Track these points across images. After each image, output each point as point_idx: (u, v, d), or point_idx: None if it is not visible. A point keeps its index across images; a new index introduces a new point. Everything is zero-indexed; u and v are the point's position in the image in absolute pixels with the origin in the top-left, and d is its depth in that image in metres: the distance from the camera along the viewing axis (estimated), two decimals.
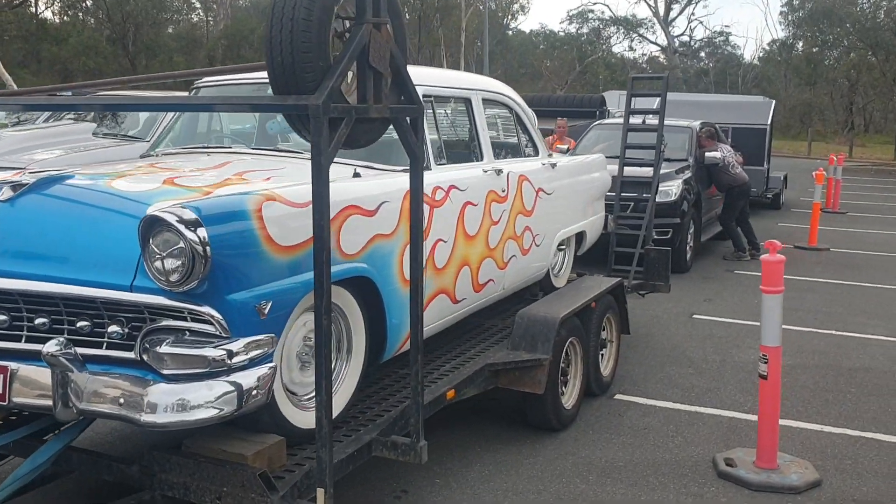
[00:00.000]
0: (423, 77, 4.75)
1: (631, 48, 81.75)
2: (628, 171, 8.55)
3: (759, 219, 16.09)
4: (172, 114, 5.34)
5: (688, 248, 10.83)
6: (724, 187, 11.75)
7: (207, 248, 2.90)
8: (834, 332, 8.01)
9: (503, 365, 4.76)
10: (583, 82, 49.07)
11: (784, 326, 8.36)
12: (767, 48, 60.25)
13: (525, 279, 5.79)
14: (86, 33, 50.20)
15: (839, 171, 18.21)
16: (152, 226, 2.94)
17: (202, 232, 2.90)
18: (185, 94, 5.68)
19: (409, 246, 3.67)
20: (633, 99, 9.33)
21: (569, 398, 5.32)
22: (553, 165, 6.10)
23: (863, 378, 6.56)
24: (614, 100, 24.46)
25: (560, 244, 6.47)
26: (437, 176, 4.47)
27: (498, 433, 5.20)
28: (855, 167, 33.73)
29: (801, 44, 50.59)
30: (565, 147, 12.57)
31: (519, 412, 5.25)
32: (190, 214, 2.92)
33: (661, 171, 10.51)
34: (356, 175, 3.94)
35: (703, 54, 67.83)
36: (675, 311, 8.70)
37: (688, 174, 10.96)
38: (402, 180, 4.11)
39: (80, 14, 50.99)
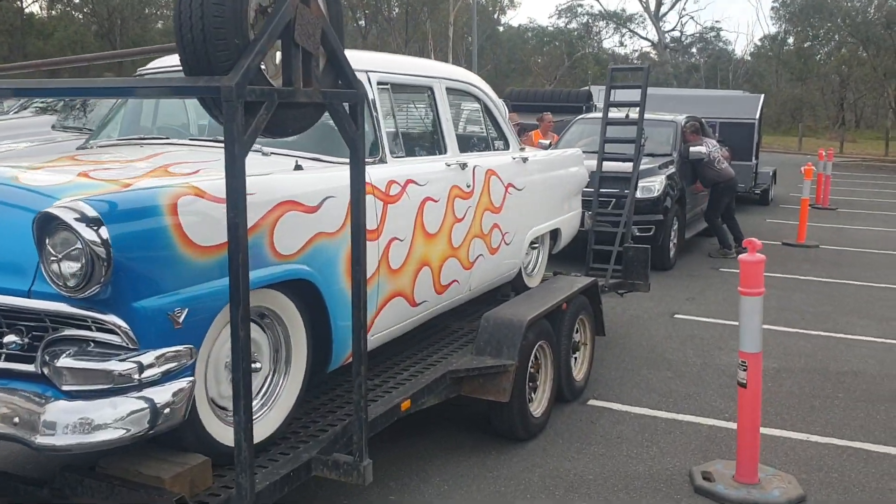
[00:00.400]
0: (381, 63, 4.44)
1: (622, 43, 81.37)
2: (607, 166, 8.22)
3: (747, 215, 15.82)
4: (116, 102, 5.01)
5: (671, 245, 10.53)
6: (710, 183, 11.45)
7: (109, 250, 2.57)
8: (822, 332, 7.71)
9: (466, 372, 4.44)
10: (572, 77, 48.71)
11: (770, 327, 8.18)
12: (759, 43, 60.07)
13: (494, 279, 5.47)
14: (72, 28, 49.64)
15: (829, 167, 17.93)
16: (48, 224, 2.61)
17: (103, 231, 2.58)
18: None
19: None
20: (614, 91, 9.02)
21: (538, 405, 5.01)
22: (525, 160, 5.78)
23: (851, 383, 6.27)
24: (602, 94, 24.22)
25: (533, 242, 6.16)
26: (392, 169, 4.15)
27: (461, 442, 4.89)
28: (845, 163, 33.52)
29: (791, 39, 50.44)
30: (548, 142, 12.23)
31: (484, 418, 4.94)
32: (90, 211, 2.59)
33: (644, 167, 10.24)
34: (298, 168, 3.61)
35: (694, 50, 67.66)
36: (657, 310, 8.40)
37: (671, 169, 10.66)
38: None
39: (68, 9, 50.36)
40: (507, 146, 5.73)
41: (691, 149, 11.13)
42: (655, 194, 10.07)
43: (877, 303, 8.96)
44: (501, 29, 58.56)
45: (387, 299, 4.04)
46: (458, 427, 5.09)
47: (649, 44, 67.89)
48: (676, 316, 8.20)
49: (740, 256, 4.48)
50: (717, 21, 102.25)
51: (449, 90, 5.04)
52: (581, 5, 57.35)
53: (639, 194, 9.86)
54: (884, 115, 50.04)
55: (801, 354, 6.99)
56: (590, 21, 57.14)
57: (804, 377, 6.38)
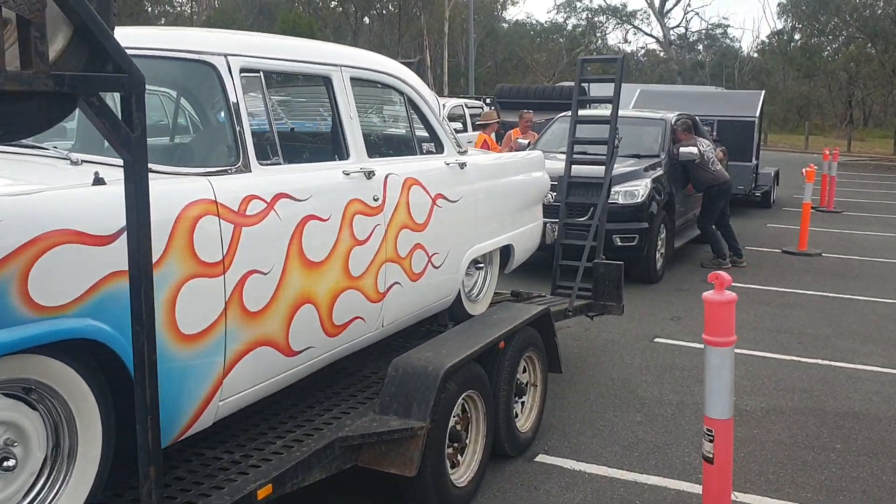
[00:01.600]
0: (248, 45, 3.49)
1: (625, 40, 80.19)
2: (578, 170, 7.26)
3: (747, 219, 14.87)
4: None
5: (658, 255, 9.57)
6: (703, 186, 10.49)
7: None
8: (820, 360, 6.76)
9: (361, 439, 3.50)
10: (572, 74, 47.56)
11: (762, 354, 7.21)
12: (766, 40, 58.85)
13: (420, 310, 4.53)
14: None
15: (834, 167, 16.94)
16: None
17: None
18: None
19: (169, 285, 2.45)
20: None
21: (465, 471, 4.07)
22: (463, 165, 4.84)
23: (851, 428, 5.31)
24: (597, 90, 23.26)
25: (477, 262, 5.22)
26: (254, 181, 3.21)
27: None
28: (853, 162, 32.50)
29: (798, 35, 49.29)
30: (526, 142, 11.32)
31: (395, 488, 4.00)
32: None
33: (627, 169, 9.31)
34: (98, 181, 2.67)
35: (700, 47, 66.57)
36: (636, 332, 7.46)
37: (659, 172, 9.70)
38: (182, 189, 2.86)
39: None
40: (439, 149, 4.79)
41: (682, 149, 10.18)
42: (639, 200, 9.12)
43: (884, 323, 8.00)
44: (506, 26, 57.55)
45: (243, 351, 3.11)
46: (359, 500, 4.16)
47: (654, 40, 66.89)
48: (657, 340, 7.25)
49: (704, 295, 3.55)
50: (724, 18, 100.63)
51: (356, 81, 4.10)
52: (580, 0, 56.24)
53: (621, 200, 8.96)
54: (893, 113, 48.94)
55: (795, 390, 6.03)
56: (589, 16, 56.02)
57: (797, 421, 5.42)
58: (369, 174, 3.90)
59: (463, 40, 51.08)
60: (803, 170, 12.21)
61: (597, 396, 5.76)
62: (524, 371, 4.80)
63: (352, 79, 4.05)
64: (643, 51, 69.13)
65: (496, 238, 5.31)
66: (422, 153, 4.63)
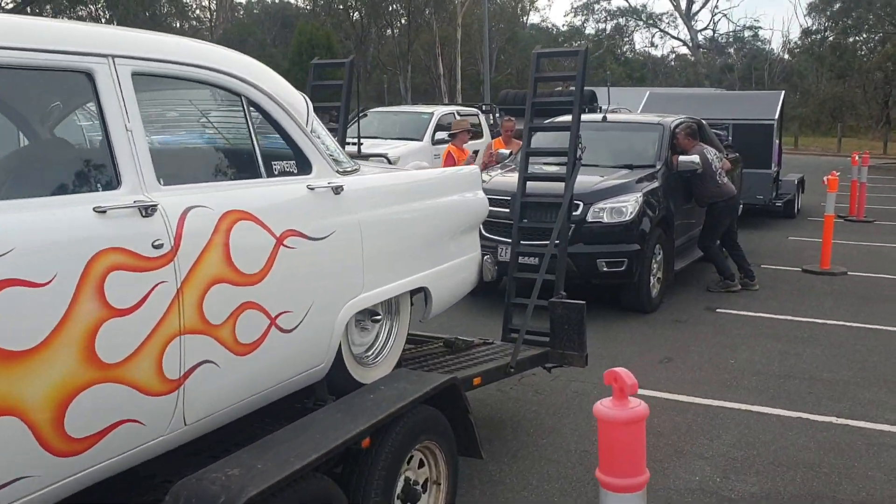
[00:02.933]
0: None
1: (652, 44, 78.52)
2: (535, 187, 6.04)
3: (766, 231, 13.52)
4: None
5: (654, 281, 8.28)
6: (706, 201, 9.19)
7: None
8: (835, 419, 5.45)
9: None
10: (590, 78, 46.13)
11: (762, 409, 5.62)
12: (799, 42, 56.90)
13: (260, 393, 3.31)
14: None
15: (864, 173, 15.50)
16: None
17: None
18: None
19: None
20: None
21: None
22: (338, 189, 3.64)
23: None
24: (604, 95, 22.00)
25: (372, 313, 4.01)
26: None
27: None
28: (889, 165, 30.80)
29: (830, 35, 47.46)
30: (507, 152, 10.12)
31: None
32: None
33: (615, 182, 8.06)
34: None
35: (731, 50, 64.86)
36: None
37: (653, 184, 8.41)
38: None
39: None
40: (304, 168, 3.59)
41: (680, 158, 8.89)
42: (628, 217, 7.84)
43: None
44: (530, 32, 56.13)
45: None
46: None
47: (681, 43, 65.29)
48: (639, 391, 5.95)
49: (596, 408, 2.30)
50: (755, 20, 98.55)
51: (145, 77, 2.92)
52: (598, 2, 54.79)
53: (606, 218, 7.71)
54: None
55: (799, 465, 4.73)
56: (608, 17, 54.50)
57: None
58: (147, 209, 2.71)
59: (481, 48, 49.97)
60: (825, 178, 10.85)
61: (540, 481, 4.51)
62: (422, 465, 3.58)
63: (135, 74, 2.86)
64: (673, 55, 67.56)
65: (400, 281, 4.09)
66: (270, 175, 3.43)
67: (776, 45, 60.60)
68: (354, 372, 3.92)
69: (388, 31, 46.30)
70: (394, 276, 4.03)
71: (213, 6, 54.72)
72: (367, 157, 12.66)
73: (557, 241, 5.52)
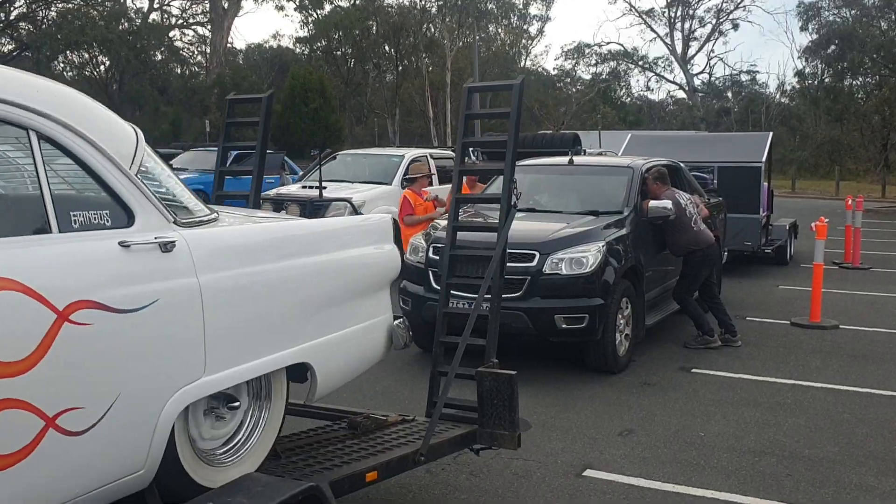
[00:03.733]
0: None
1: (648, 87, 78.37)
2: (467, 238, 5.31)
3: (755, 279, 12.77)
4: None
5: (621, 338, 7.50)
6: (681, 250, 8.45)
7: None
8: None
9: None
10: (580, 121, 45.70)
11: (728, 498, 4.67)
12: (797, 85, 56.62)
13: None
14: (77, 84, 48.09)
15: (858, 218, 14.78)
16: None
17: None
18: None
19: None
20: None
21: None
22: (168, 246, 2.90)
23: None
24: (595, 138, 21.49)
25: (228, 399, 3.25)
26: None
27: None
28: (887, 209, 30.13)
29: (826, 78, 47.08)
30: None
31: None
32: None
33: (575, 230, 7.34)
34: None
35: (729, 94, 64.73)
36: (563, 458, 5.39)
37: (621, 232, 7.67)
38: None
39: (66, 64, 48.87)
40: (125, 219, 2.86)
41: (651, 203, 8.16)
42: (589, 269, 7.08)
43: None
44: (523, 75, 55.64)
45: None
46: None
47: (677, 87, 65.17)
48: (588, 473, 5.17)
49: None
50: (752, 64, 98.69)
51: None
52: (589, 45, 54.59)
53: (565, 269, 6.96)
54: None
55: None
56: (598, 62, 54.26)
57: None
58: None
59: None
60: (812, 224, 10.12)
61: None
62: None
63: None
64: (672, 99, 67.43)
65: (267, 357, 3.33)
66: (65, 229, 2.68)
67: (773, 89, 60.18)
68: (199, 474, 3.14)
69: (378, 76, 45.94)
70: (257, 353, 3.28)
71: (208, 51, 54.49)
72: (329, 202, 11.97)
73: (489, 299, 4.74)
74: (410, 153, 13.60)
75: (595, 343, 7.23)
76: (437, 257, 7.36)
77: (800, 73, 44.35)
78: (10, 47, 45.14)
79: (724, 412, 6.38)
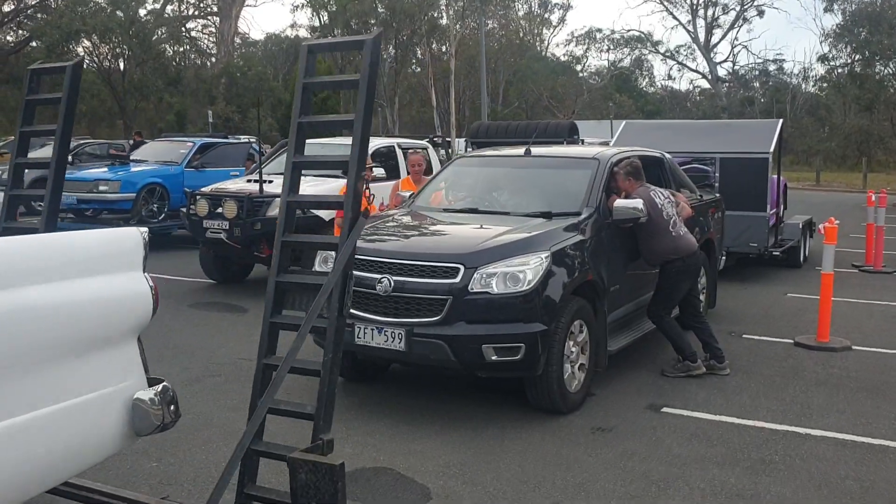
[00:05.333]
0: None
1: (669, 76, 76.18)
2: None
3: (762, 285, 11.27)
4: None
5: (573, 369, 6.06)
6: (657, 259, 7.00)
7: None
8: None
9: None
10: (592, 110, 43.85)
11: None
12: (821, 70, 54.38)
13: None
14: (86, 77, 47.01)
15: (882, 215, 13.17)
16: None
17: None
18: None
19: None
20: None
21: None
22: None
23: None
24: (592, 129, 20.05)
25: None
26: None
27: None
28: None
29: (855, 65, 44.95)
30: (409, 194, 8.00)
31: None
32: None
33: (514, 237, 5.93)
34: None
35: (756, 84, 62.62)
36: None
37: (574, 238, 6.22)
38: None
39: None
40: None
41: (616, 202, 6.71)
42: (527, 286, 5.64)
43: None
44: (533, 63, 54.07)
45: None
46: None
47: (699, 76, 63.20)
48: None
49: None
50: (778, 53, 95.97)
51: None
52: (600, 30, 52.71)
53: (497, 287, 5.57)
54: None
55: None
56: (610, 48, 52.34)
57: None
58: None
59: (491, 80, 48.08)
60: (820, 226, 8.61)
61: None
62: None
63: None
64: (697, 89, 65.37)
65: None
66: None
67: (798, 78, 57.98)
68: None
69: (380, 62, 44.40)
70: None
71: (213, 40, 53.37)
72: (271, 198, 10.59)
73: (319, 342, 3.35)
74: (374, 141, 12.17)
75: (537, 378, 5.79)
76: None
77: (823, 58, 42.16)
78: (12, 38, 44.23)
79: (690, 476, 4.93)
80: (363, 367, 6.55)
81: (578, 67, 50.95)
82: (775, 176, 14.27)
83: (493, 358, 5.55)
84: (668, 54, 60.30)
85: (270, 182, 10.94)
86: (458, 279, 5.56)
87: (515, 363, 5.60)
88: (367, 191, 8.37)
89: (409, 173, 8.62)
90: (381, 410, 6.07)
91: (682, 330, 7.15)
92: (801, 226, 13.16)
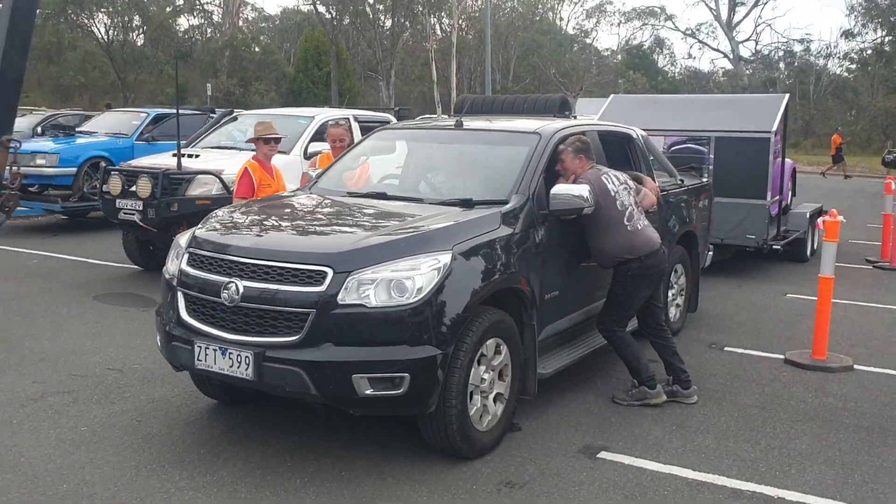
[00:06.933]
0: None
1: (689, 55, 73.87)
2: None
3: (759, 282, 9.95)
4: None
5: (484, 403, 4.73)
6: (609, 260, 5.65)
7: None
8: None
9: None
10: (600, 86, 42.10)
11: None
12: (851, 53, 52.14)
13: None
14: (81, 47, 45.91)
15: None
16: None
17: None
18: None
19: None
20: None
21: None
22: None
23: None
24: (589, 107, 18.64)
25: None
26: None
27: None
28: None
29: (881, 40, 43.00)
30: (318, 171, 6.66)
31: None
32: None
33: (403, 234, 4.58)
34: None
35: (781, 65, 60.61)
36: None
37: (493, 234, 4.86)
38: None
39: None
40: None
41: (554, 190, 5.34)
42: (414, 298, 4.29)
43: None
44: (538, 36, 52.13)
45: None
46: None
47: (721, 55, 61.24)
48: None
49: None
50: (807, 34, 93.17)
51: None
52: (611, 2, 50.79)
53: (375, 299, 4.30)
54: None
55: None
56: (621, 21, 50.34)
57: None
58: None
59: (501, 55, 46.44)
60: (819, 220, 7.23)
61: None
62: None
63: None
64: (721, 70, 63.36)
65: None
66: None
67: (821, 57, 55.83)
68: None
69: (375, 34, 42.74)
70: None
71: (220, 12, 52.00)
72: (192, 175, 9.27)
73: None
74: (323, 114, 10.84)
75: (430, 416, 4.47)
76: (195, 271, 4.68)
77: (847, 33, 40.24)
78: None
79: None
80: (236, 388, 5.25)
81: (588, 41, 49.09)
82: (788, 160, 12.84)
83: (368, 392, 4.23)
84: (688, 32, 58.37)
85: (197, 157, 9.64)
86: (323, 287, 4.23)
87: (397, 399, 4.27)
88: (269, 167, 7.05)
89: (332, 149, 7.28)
90: (241, 449, 4.78)
91: (640, 347, 5.80)
92: (808, 215, 11.72)
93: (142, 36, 44.00)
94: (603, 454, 4.81)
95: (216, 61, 47.51)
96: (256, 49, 48.12)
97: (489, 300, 4.74)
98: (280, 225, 4.91)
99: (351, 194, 5.68)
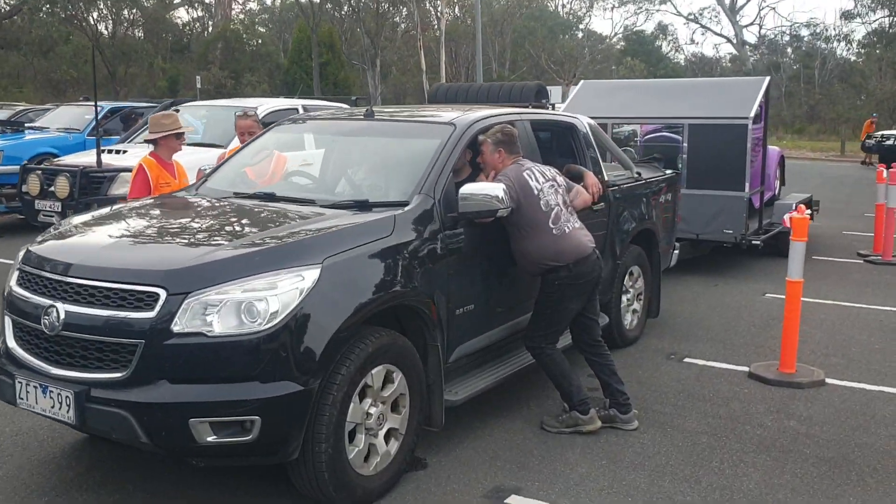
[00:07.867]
0: None
1: (692, 41, 72.74)
2: None
3: (738, 280, 9.21)
4: None
5: (369, 443, 4.01)
6: (535, 267, 4.92)
7: None
8: None
9: None
10: (595, 73, 41.13)
11: None
12: (852, 34, 50.97)
13: None
14: (73, 41, 45.26)
15: (894, 194, 10.90)
16: None
17: None
18: None
19: None
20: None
21: None
22: None
23: None
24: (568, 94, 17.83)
25: None
26: None
27: None
28: None
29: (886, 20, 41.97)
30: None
31: None
32: None
33: (261, 245, 3.82)
34: None
35: (789, 50, 59.51)
36: None
37: (385, 242, 4.13)
38: None
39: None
40: None
41: (463, 190, 4.58)
42: (267, 325, 3.56)
43: None
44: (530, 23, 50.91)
45: None
46: None
47: (724, 40, 60.19)
48: None
49: None
50: (813, 17, 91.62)
51: None
52: None
53: (220, 326, 3.59)
54: None
55: None
56: (616, 5, 49.32)
57: None
58: None
59: (497, 43, 45.56)
60: (785, 216, 6.51)
61: None
62: None
63: None
64: (727, 56, 62.23)
65: None
66: None
67: (824, 40, 54.69)
68: None
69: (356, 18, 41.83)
70: None
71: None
72: (113, 172, 8.56)
73: None
74: (267, 105, 10.12)
75: (296, 462, 3.75)
76: (21, 291, 3.97)
77: (847, 15, 39.20)
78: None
79: None
80: None
81: (581, 27, 48.11)
82: (774, 148, 12.08)
83: (210, 439, 3.50)
84: (690, 17, 57.33)
85: (124, 153, 8.93)
86: (153, 312, 3.51)
87: (247, 446, 3.55)
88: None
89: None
90: (98, 497, 4.07)
91: (572, 367, 5.07)
92: (794, 207, 10.89)
93: (133, 29, 43.26)
94: (512, 499, 4.08)
95: (208, 53, 46.81)
96: (253, 41, 47.36)
97: (377, 320, 4.02)
98: (123, 235, 4.17)
99: (238, 195, 4.95)
